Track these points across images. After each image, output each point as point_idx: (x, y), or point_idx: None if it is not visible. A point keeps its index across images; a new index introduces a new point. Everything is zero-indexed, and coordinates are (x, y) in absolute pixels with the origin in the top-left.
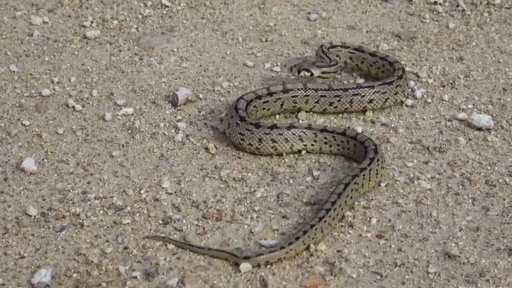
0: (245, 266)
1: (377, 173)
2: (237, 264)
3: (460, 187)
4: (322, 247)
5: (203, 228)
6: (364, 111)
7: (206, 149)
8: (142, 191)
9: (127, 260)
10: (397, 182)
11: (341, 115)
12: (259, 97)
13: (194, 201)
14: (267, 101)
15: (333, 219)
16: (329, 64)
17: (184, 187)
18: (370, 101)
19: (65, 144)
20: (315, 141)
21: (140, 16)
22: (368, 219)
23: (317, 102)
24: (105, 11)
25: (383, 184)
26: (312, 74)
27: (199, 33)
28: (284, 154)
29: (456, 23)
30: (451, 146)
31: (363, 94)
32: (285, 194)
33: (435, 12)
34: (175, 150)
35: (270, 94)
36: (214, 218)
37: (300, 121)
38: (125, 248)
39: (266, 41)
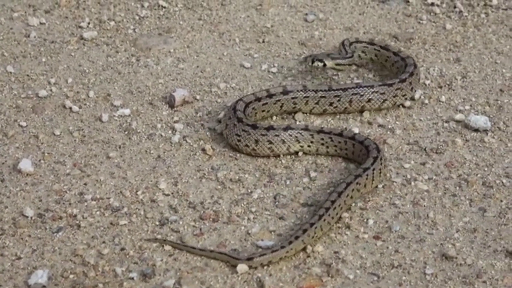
0: (241, 267)
1: (380, 173)
2: (234, 266)
3: (457, 188)
4: (319, 248)
5: (200, 229)
6: (362, 111)
7: (203, 150)
8: (139, 192)
9: (124, 261)
10: (394, 183)
11: (338, 116)
12: (258, 99)
13: (191, 202)
14: (266, 103)
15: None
16: (344, 56)
17: (181, 188)
18: (369, 100)
19: (62, 145)
20: (311, 142)
21: (137, 17)
22: (365, 220)
23: (317, 103)
24: (102, 12)
25: (380, 185)
26: (325, 65)
27: (196, 34)
28: (281, 156)
29: (453, 24)
30: (448, 147)
31: (362, 94)
32: (282, 195)
33: (432, 13)
34: (172, 151)
35: (270, 96)
36: (211, 219)
37: (297, 123)
38: (122, 249)
39: (263, 42)
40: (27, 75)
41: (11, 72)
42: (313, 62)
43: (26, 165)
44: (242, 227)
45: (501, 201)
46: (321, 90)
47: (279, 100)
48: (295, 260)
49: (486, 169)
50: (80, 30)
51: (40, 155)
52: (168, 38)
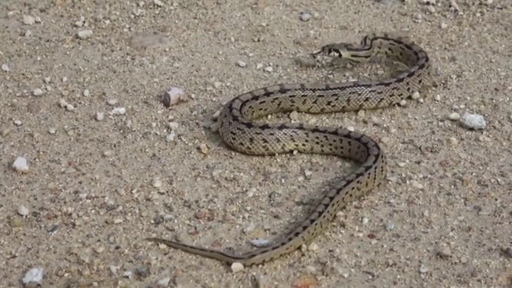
0: (236, 265)
1: (382, 170)
2: (228, 264)
3: (452, 187)
4: (313, 247)
5: (195, 228)
6: (358, 109)
7: (198, 149)
8: (134, 191)
9: (119, 260)
10: (389, 182)
11: (333, 115)
12: (255, 97)
13: (186, 200)
14: (264, 101)
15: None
16: (361, 48)
17: (176, 186)
18: (366, 99)
19: (57, 144)
20: (306, 141)
21: (132, 16)
22: (360, 219)
23: (314, 102)
24: (98, 11)
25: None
26: (340, 55)
27: (191, 33)
28: (276, 154)
29: (448, 23)
30: (443, 146)
31: (360, 92)
32: (277, 194)
33: (427, 12)
34: (167, 150)
35: (267, 94)
36: (206, 218)
37: (292, 121)
38: (117, 247)
39: (259, 41)
40: (22, 74)
41: (6, 71)
42: (329, 52)
43: (21, 163)
44: (237, 226)
45: (496, 199)
46: (319, 89)
47: (276, 99)
48: (290, 258)
49: (481, 168)
50: (75, 29)
51: (35, 154)
52: (163, 37)
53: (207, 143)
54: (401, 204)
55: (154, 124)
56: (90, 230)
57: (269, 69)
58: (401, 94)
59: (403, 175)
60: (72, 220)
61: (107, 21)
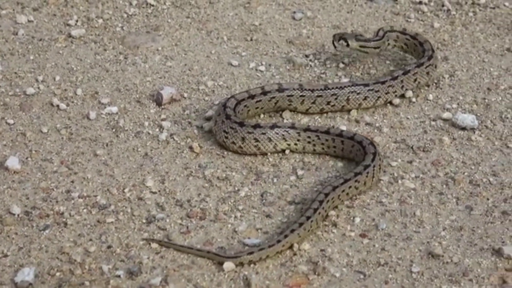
0: (228, 265)
1: (380, 168)
2: (220, 263)
3: (444, 186)
4: (305, 246)
5: (187, 227)
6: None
7: (190, 148)
8: (126, 190)
9: (111, 259)
10: (381, 181)
11: (325, 114)
12: (251, 96)
13: (178, 200)
14: (260, 100)
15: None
16: (372, 39)
17: (168, 186)
18: (365, 98)
19: (49, 143)
20: (298, 140)
21: (125, 15)
22: (351, 218)
23: (313, 103)
24: (90, 10)
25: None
26: (348, 45)
27: (184, 32)
28: (268, 154)
29: (441, 23)
30: (435, 146)
31: (358, 92)
32: (269, 193)
33: (420, 12)
34: (159, 149)
35: (264, 93)
36: (198, 217)
37: (284, 121)
38: (109, 247)
39: (251, 40)
40: (15, 73)
41: None
42: (338, 40)
43: (13, 162)
44: (229, 225)
45: (488, 199)
46: (317, 90)
47: (273, 97)
48: (282, 258)
49: (473, 167)
50: (68, 28)
51: (27, 153)
52: (156, 36)
53: (200, 142)
54: (393, 204)
55: (146, 123)
56: (82, 229)
57: (262, 68)
58: (395, 92)
59: (395, 174)
60: (64, 219)
61: (100, 20)
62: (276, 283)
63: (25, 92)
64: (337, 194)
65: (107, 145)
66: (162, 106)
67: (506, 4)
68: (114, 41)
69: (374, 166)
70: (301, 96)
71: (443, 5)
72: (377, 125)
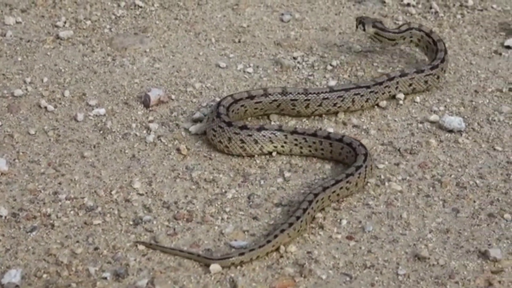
0: (215, 267)
1: (371, 169)
2: (207, 265)
3: (431, 189)
4: (292, 248)
5: (174, 229)
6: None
7: (178, 150)
8: (113, 192)
9: (97, 261)
10: (368, 183)
11: (312, 117)
12: (251, 97)
13: (165, 202)
14: (260, 102)
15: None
16: (390, 30)
17: (155, 188)
18: (367, 100)
19: (37, 145)
20: (285, 142)
21: (113, 17)
22: (338, 220)
23: (320, 105)
24: (78, 12)
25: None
26: (364, 30)
27: (172, 34)
28: (256, 155)
29: (429, 25)
30: (422, 148)
31: (362, 94)
32: (256, 195)
33: (408, 14)
34: (146, 151)
35: (266, 95)
36: (184, 219)
37: (272, 123)
38: (96, 248)
39: (239, 42)
40: (3, 74)
41: None
42: (359, 23)
43: (0, 164)
44: (216, 227)
45: (474, 201)
46: (323, 92)
47: (275, 100)
48: (268, 260)
49: (459, 170)
50: (56, 29)
51: (14, 154)
52: (144, 37)
53: (187, 144)
54: (379, 206)
55: (134, 125)
56: (69, 231)
57: (250, 70)
58: (390, 92)
59: (382, 177)
60: (51, 221)
61: (88, 22)
62: (262, 285)
63: (13, 94)
64: (327, 195)
65: (94, 147)
66: (150, 108)
67: (494, 6)
68: (102, 43)
69: (366, 167)
70: (305, 100)
71: (431, 7)
72: (364, 127)
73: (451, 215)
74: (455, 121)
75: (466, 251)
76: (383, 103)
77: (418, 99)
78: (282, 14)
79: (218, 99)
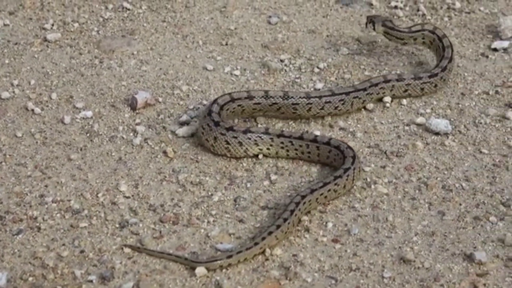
0: (200, 270)
1: (359, 171)
2: (192, 268)
3: (417, 191)
4: (277, 251)
5: (160, 232)
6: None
7: (164, 152)
8: (99, 195)
9: (83, 264)
10: (354, 186)
11: (299, 120)
12: (250, 97)
13: (151, 204)
14: (259, 103)
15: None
16: (400, 29)
17: (141, 190)
18: (363, 102)
19: (24, 147)
20: (271, 145)
21: (101, 19)
22: (324, 223)
23: (322, 109)
24: (66, 14)
25: None
26: (374, 29)
27: (159, 36)
28: (242, 158)
29: None
30: (408, 151)
31: (360, 96)
32: (242, 198)
33: (395, 16)
34: (133, 154)
35: (266, 97)
36: (171, 222)
37: (259, 125)
38: (81, 251)
39: (226, 44)
40: None
41: None
42: (369, 22)
43: None
44: (202, 230)
45: (460, 204)
46: (325, 96)
47: (276, 104)
48: (254, 263)
49: (446, 172)
50: (44, 32)
51: (1, 157)
52: (131, 40)
53: (174, 147)
54: (365, 209)
55: (120, 128)
56: (55, 234)
57: (237, 72)
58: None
59: (368, 179)
60: (38, 224)
61: (76, 24)
62: None
63: (0, 96)
64: (315, 197)
65: (81, 149)
66: (137, 111)
67: (481, 9)
68: (90, 45)
69: (354, 169)
70: (308, 104)
71: (418, 10)
72: (351, 130)
73: (437, 218)
74: (441, 124)
75: (452, 254)
76: (370, 106)
77: (404, 101)
78: (270, 17)
79: (205, 102)
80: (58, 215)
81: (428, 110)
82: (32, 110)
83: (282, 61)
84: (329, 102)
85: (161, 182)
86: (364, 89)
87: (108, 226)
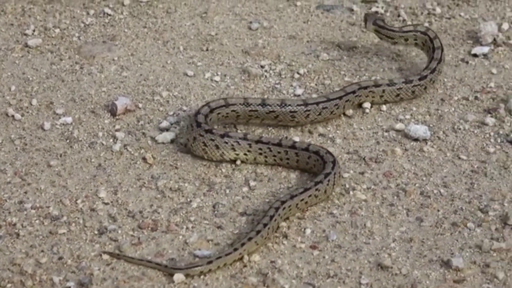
0: (178, 276)
1: (340, 176)
2: (171, 275)
3: (395, 198)
4: (255, 258)
5: (138, 238)
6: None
7: (144, 159)
8: (78, 201)
9: (62, 270)
10: (333, 192)
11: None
12: (247, 104)
13: (130, 211)
14: (256, 110)
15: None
16: (390, 28)
17: (120, 197)
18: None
19: (3, 154)
20: (249, 151)
21: (82, 25)
22: (302, 229)
23: (319, 114)
24: (48, 20)
25: None
26: (366, 26)
27: (140, 42)
28: (221, 163)
29: None
30: (387, 157)
31: (352, 100)
32: (221, 205)
33: None
34: (112, 160)
35: (263, 105)
36: (149, 228)
37: (238, 131)
38: (60, 258)
39: (207, 50)
40: None
41: None
42: (364, 20)
43: None
44: (180, 236)
45: (438, 210)
46: (321, 102)
47: (273, 111)
48: (232, 269)
49: (424, 178)
50: (25, 38)
51: None
52: (112, 45)
53: (153, 153)
54: (343, 215)
55: (100, 134)
56: (34, 240)
57: (217, 78)
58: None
59: (347, 186)
60: (16, 230)
61: (57, 30)
62: None
63: None
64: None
65: (61, 156)
66: (117, 117)
67: (462, 14)
68: (71, 51)
69: (335, 174)
70: (306, 111)
71: (399, 15)
72: (330, 136)
73: (415, 224)
74: (420, 130)
75: (429, 260)
76: (350, 112)
77: (384, 107)
78: (251, 22)
79: (185, 108)
80: (37, 221)
81: (408, 116)
82: (12, 116)
83: (262, 67)
84: (326, 108)
85: (140, 188)
86: (353, 92)
87: (87, 233)
